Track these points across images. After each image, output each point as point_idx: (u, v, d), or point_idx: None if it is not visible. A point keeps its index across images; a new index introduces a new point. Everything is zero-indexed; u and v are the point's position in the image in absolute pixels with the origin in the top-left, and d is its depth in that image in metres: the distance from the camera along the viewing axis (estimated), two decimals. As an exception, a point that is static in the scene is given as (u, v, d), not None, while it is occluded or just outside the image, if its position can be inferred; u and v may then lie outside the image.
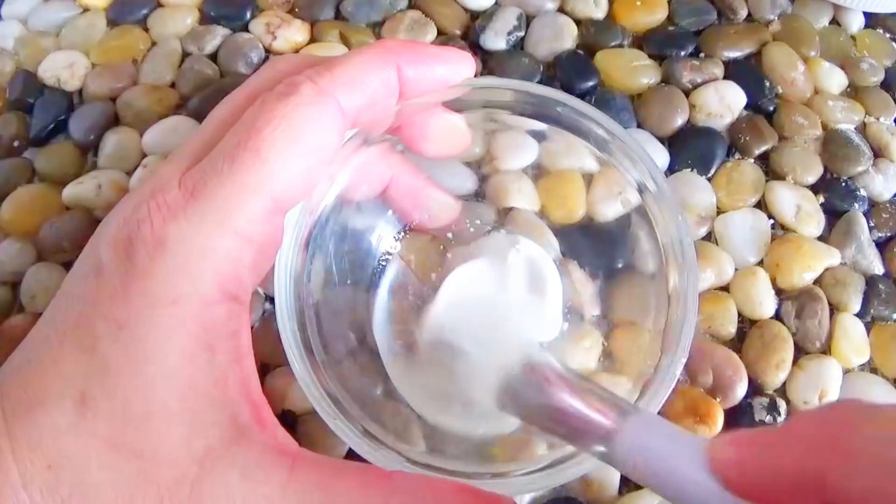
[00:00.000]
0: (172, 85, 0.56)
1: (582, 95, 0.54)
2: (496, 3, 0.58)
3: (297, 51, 0.56)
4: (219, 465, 0.29)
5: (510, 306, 0.43)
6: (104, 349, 0.30)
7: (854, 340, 0.47)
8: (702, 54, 0.57)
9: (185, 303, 0.30)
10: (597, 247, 0.45)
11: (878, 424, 0.23)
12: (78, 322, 0.31)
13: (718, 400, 0.45)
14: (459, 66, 0.39)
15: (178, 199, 0.31)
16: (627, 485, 0.43)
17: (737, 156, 0.53)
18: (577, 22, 0.58)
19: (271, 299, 0.46)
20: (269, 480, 0.29)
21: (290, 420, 0.43)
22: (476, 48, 0.56)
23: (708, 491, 0.26)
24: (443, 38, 0.57)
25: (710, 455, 0.26)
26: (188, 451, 0.29)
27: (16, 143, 0.53)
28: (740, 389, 0.45)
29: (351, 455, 0.38)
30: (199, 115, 0.53)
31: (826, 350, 0.47)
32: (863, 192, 0.52)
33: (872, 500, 0.21)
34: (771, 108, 0.55)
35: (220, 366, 0.31)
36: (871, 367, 0.47)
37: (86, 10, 0.59)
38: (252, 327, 0.34)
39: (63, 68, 0.56)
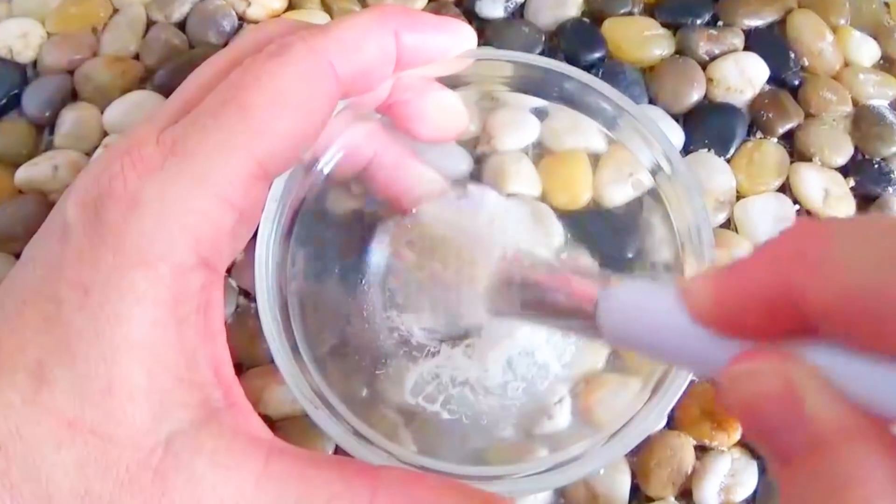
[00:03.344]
0: (136, 56, 0.55)
1: (588, 68, 0.53)
2: (493, -33, 0.58)
3: (274, 18, 0.56)
4: (186, 451, 0.29)
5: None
6: (67, 317, 0.29)
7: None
8: (720, 23, 0.57)
9: (158, 267, 0.30)
10: (605, 234, 0.45)
11: (842, 231, 0.24)
12: (40, 288, 0.30)
13: (738, 403, 0.44)
14: (460, 37, 0.39)
15: (155, 156, 0.31)
16: (637, 497, 0.43)
17: (758, 135, 0.53)
18: (583, -13, 0.57)
19: (246, 293, 0.46)
20: (241, 469, 0.29)
21: (268, 426, 0.43)
22: (471, 16, 0.56)
23: (690, 335, 0.26)
24: (434, 4, 0.56)
25: (684, 297, 0.27)
26: (153, 433, 0.29)
27: (-37, 121, 0.53)
28: (762, 392, 0.45)
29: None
30: (166, 90, 0.52)
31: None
32: (897, 175, 0.52)
33: (846, 303, 0.22)
34: (796, 83, 0.55)
35: (191, 340, 0.31)
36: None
37: (41, -27, 0.58)
38: (225, 323, 0.34)
39: (16, 38, 0.55)
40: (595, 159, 0.47)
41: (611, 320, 0.30)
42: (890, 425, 0.22)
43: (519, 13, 0.57)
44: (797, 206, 0.50)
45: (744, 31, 0.56)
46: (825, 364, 0.23)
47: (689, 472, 0.43)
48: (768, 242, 0.25)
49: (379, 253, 0.44)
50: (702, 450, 0.44)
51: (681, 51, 0.55)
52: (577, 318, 0.32)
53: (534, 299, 0.35)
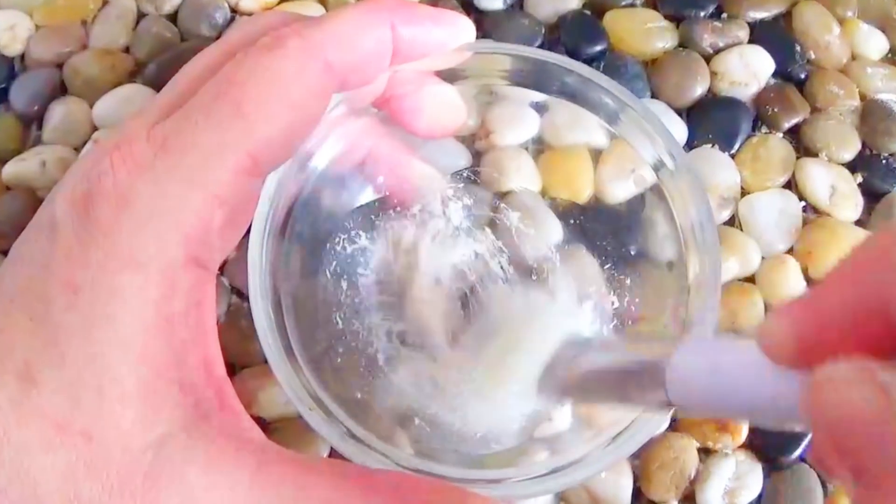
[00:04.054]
0: (126, 49, 0.55)
1: (589, 61, 0.53)
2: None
3: (267, 10, 0.56)
4: (176, 454, 0.29)
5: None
6: (55, 316, 0.29)
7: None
8: (724, 15, 0.57)
9: (149, 265, 0.30)
10: (606, 232, 0.45)
11: None
12: (28, 287, 0.30)
13: (743, 405, 0.44)
14: (458, 30, 0.39)
15: (145, 152, 0.31)
16: (639, 500, 0.43)
17: (763, 129, 0.53)
18: (584, -22, 0.57)
19: (238, 291, 0.46)
20: (233, 473, 0.29)
21: (260, 428, 0.42)
22: (469, 8, 0.56)
23: (771, 381, 0.24)
24: (432, -4, 0.56)
25: (761, 342, 0.25)
26: (142, 436, 0.29)
27: (-51, 115, 0.53)
28: (767, 393, 0.44)
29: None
30: (157, 84, 0.52)
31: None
32: (905, 171, 0.52)
33: None
34: (802, 76, 0.55)
35: (182, 341, 0.31)
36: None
37: (28, -36, 0.58)
38: (217, 322, 0.33)
39: (3, 31, 0.55)
40: (596, 155, 0.47)
41: (684, 389, 0.28)
42: None
43: (518, 5, 0.56)
44: (803, 203, 0.50)
45: (749, 23, 0.56)
46: None
47: (693, 475, 0.43)
48: (845, 259, 0.23)
49: (376, 251, 0.44)
50: (705, 452, 0.44)
51: (684, 44, 0.55)
52: (645, 393, 0.31)
53: (596, 384, 0.34)
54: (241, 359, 0.44)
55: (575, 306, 0.43)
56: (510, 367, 0.39)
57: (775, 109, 0.53)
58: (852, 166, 0.52)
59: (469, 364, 0.41)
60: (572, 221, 0.46)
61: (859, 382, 0.20)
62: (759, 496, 0.43)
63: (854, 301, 0.22)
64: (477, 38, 0.39)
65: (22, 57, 0.55)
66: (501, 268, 0.44)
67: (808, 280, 0.48)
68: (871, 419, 0.20)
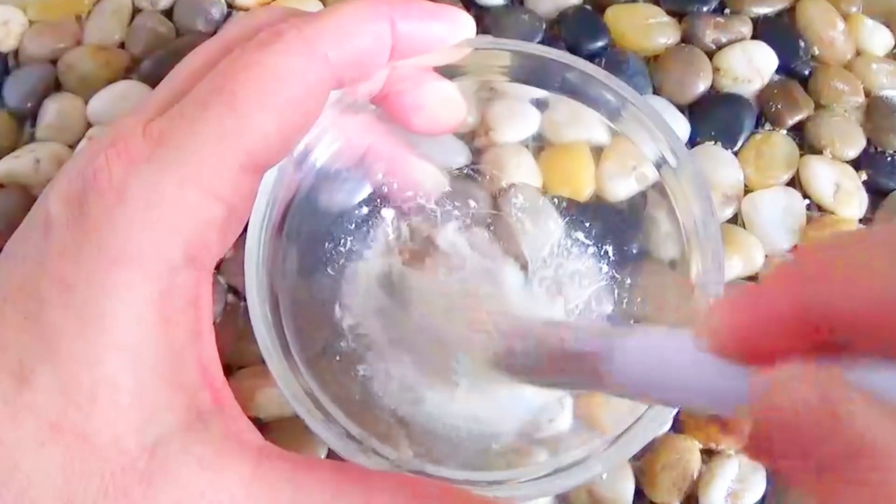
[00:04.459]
0: (122, 45, 0.55)
1: (590, 57, 0.53)
2: (492, -48, 0.58)
3: (264, 5, 0.56)
4: (173, 455, 0.29)
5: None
6: (50, 315, 0.29)
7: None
8: (727, 10, 0.57)
9: (145, 263, 0.30)
10: (607, 230, 0.45)
11: (861, 242, 0.23)
12: (21, 285, 0.30)
13: (746, 405, 0.44)
14: (458, 25, 0.39)
15: (141, 148, 0.31)
16: (641, 502, 0.43)
17: (767, 126, 0.53)
18: (585, -27, 0.57)
19: (235, 290, 0.46)
20: (230, 475, 0.29)
21: (257, 429, 0.42)
22: (469, 4, 0.56)
23: (709, 371, 0.26)
24: (431, -9, 0.56)
25: (700, 331, 0.26)
26: (138, 436, 0.29)
27: (-59, 112, 0.53)
28: (771, 394, 0.44)
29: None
30: (152, 80, 0.52)
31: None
32: (911, 168, 0.52)
33: (881, 312, 0.21)
34: (806, 72, 0.55)
35: (178, 340, 0.31)
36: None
37: (22, -41, 0.58)
38: (213, 322, 0.33)
39: (-4, 26, 0.55)
40: (597, 152, 0.47)
41: (623, 372, 0.29)
42: None
43: (518, 0, 0.56)
44: (807, 201, 0.50)
45: (752, 18, 0.56)
46: (860, 379, 0.21)
47: (696, 476, 0.43)
48: (784, 262, 0.25)
49: (374, 249, 0.44)
50: (708, 453, 0.44)
51: (686, 39, 0.55)
52: (583, 375, 0.32)
53: (535, 363, 0.35)
54: (237, 359, 0.44)
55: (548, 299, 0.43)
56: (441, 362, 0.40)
57: (779, 106, 0.53)
58: (857, 163, 0.52)
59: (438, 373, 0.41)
60: (573, 220, 0.46)
61: (801, 380, 0.22)
62: (763, 498, 0.43)
63: (789, 301, 0.23)
64: (477, 33, 0.39)
65: (15, 53, 0.55)
66: (500, 268, 0.44)
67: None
68: (814, 419, 0.21)
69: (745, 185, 0.51)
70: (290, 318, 0.39)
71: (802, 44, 0.55)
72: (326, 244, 0.43)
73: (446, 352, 0.40)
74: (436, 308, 0.42)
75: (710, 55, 0.54)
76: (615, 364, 0.30)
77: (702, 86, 0.53)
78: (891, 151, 0.52)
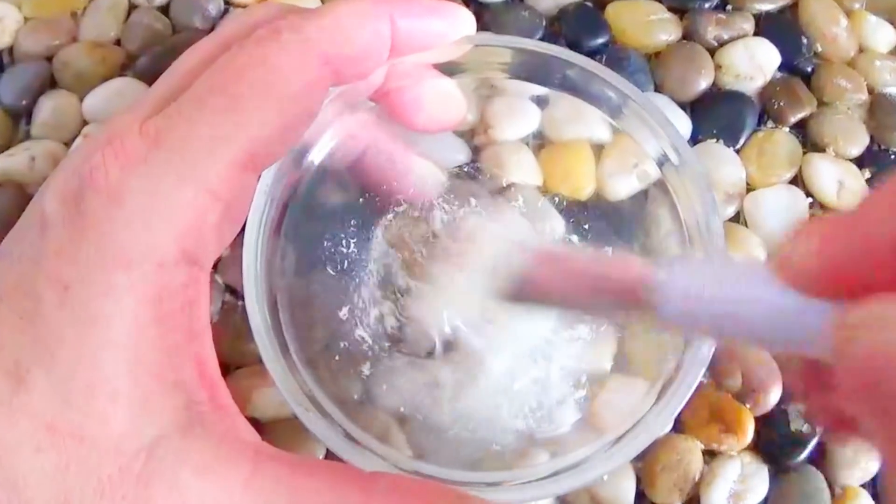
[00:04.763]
0: (117, 42, 0.55)
1: (591, 54, 0.53)
2: (492, -52, 0.58)
3: (262, 2, 0.56)
4: (170, 456, 0.29)
5: None
6: (46, 314, 0.29)
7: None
8: (729, 6, 0.57)
9: (141, 263, 0.30)
10: (609, 228, 0.45)
11: None
12: (17, 284, 0.30)
13: (748, 406, 0.44)
14: (458, 22, 0.39)
15: (138, 147, 0.31)
16: (642, 503, 0.43)
17: (769, 124, 0.53)
18: (586, -31, 0.57)
19: (232, 290, 0.46)
20: (228, 475, 0.29)
21: (255, 429, 0.43)
22: (468, 0, 0.55)
23: (781, 302, 0.24)
24: (430, -13, 0.56)
25: (782, 268, 0.24)
26: (135, 438, 0.29)
27: (-65, 110, 0.53)
28: (774, 394, 0.45)
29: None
30: (149, 77, 0.52)
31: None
32: (915, 166, 0.52)
33: None
34: (809, 69, 0.55)
35: (175, 340, 0.31)
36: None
37: (17, -45, 0.58)
38: (210, 321, 0.33)
39: (-10, 23, 0.55)
40: (598, 149, 0.47)
41: (676, 300, 0.27)
42: None
43: (519, -4, 0.56)
44: (810, 199, 0.50)
45: (754, 15, 0.56)
46: None
47: (697, 477, 0.43)
48: (885, 185, 0.22)
49: (374, 248, 0.44)
50: (710, 454, 0.44)
51: (688, 36, 0.55)
52: (628, 304, 0.30)
53: (575, 289, 0.32)
54: (235, 358, 0.44)
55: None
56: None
57: (781, 103, 0.53)
58: (860, 161, 0.52)
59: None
60: (574, 218, 0.46)
61: None
62: (765, 499, 0.43)
63: (877, 234, 0.21)
64: (477, 30, 0.39)
65: (10, 50, 0.55)
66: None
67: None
68: None
69: (748, 184, 0.51)
70: (288, 318, 0.39)
71: (805, 40, 0.55)
72: (325, 243, 0.43)
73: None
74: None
75: (712, 52, 0.54)
76: (665, 292, 0.28)
77: (703, 83, 0.53)
78: (894, 149, 0.52)
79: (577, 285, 0.32)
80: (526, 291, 0.34)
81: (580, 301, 0.33)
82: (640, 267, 0.29)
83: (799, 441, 0.44)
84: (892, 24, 0.57)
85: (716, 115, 0.52)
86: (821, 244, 0.23)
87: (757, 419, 0.44)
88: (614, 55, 0.54)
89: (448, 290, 0.41)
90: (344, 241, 0.43)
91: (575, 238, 0.45)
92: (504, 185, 0.46)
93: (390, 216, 0.44)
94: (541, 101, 0.46)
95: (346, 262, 0.43)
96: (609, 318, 0.36)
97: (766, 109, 0.53)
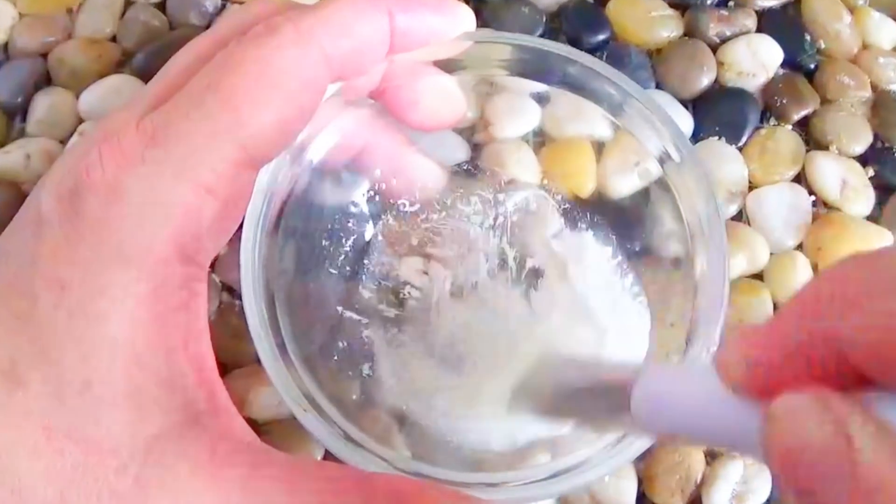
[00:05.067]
0: (113, 39, 0.55)
1: (591, 51, 0.53)
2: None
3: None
4: (167, 457, 0.29)
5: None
6: (42, 314, 0.29)
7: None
8: (731, 3, 0.57)
9: (138, 261, 0.30)
10: (610, 227, 0.45)
11: (880, 264, 0.22)
12: (13, 283, 0.30)
13: (751, 405, 0.44)
14: (457, 19, 0.39)
15: (135, 144, 0.31)
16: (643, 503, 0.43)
17: (772, 122, 0.53)
18: (586, -35, 0.57)
19: (230, 289, 0.46)
20: (226, 476, 0.29)
21: (253, 430, 0.42)
22: (468, -4, 0.55)
23: (729, 409, 0.25)
24: (429, -17, 0.56)
25: (717, 367, 0.25)
26: (133, 438, 0.29)
27: (-70, 107, 0.52)
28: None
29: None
30: (145, 74, 0.52)
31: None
32: (919, 164, 0.52)
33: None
34: (812, 66, 0.55)
35: (173, 340, 0.31)
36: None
37: (12, -50, 0.58)
38: (207, 320, 0.33)
39: (-15, 19, 0.55)
40: (599, 147, 0.46)
41: (645, 409, 0.29)
42: None
43: (519, -7, 0.56)
44: (813, 198, 0.50)
45: (756, 11, 0.56)
46: (885, 416, 0.20)
47: (699, 479, 0.43)
48: (800, 292, 0.24)
49: (373, 247, 0.44)
50: (712, 456, 0.44)
51: (690, 32, 0.55)
52: (612, 415, 0.31)
53: (567, 401, 0.34)
54: (232, 358, 0.44)
55: (565, 318, 0.43)
56: (482, 391, 0.39)
57: (784, 101, 0.53)
58: (863, 159, 0.52)
59: (449, 379, 0.41)
60: (574, 216, 0.45)
61: (815, 413, 0.21)
62: (768, 500, 0.43)
63: (804, 334, 0.22)
64: (477, 26, 0.39)
65: (5, 46, 0.55)
66: (501, 267, 0.44)
67: (818, 277, 0.48)
68: (825, 450, 0.20)
69: (750, 182, 0.50)
70: (286, 317, 0.39)
71: (808, 37, 0.55)
72: (323, 241, 0.43)
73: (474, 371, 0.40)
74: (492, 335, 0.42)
75: (714, 49, 0.54)
76: (636, 403, 0.29)
77: (705, 80, 0.53)
78: (898, 147, 0.52)
79: (574, 406, 0.34)
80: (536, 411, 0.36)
81: (576, 417, 0.36)
82: (620, 379, 0.30)
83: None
84: (895, 20, 0.56)
85: (718, 112, 0.52)
86: (743, 350, 0.24)
87: (759, 419, 0.44)
88: (615, 52, 0.54)
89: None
90: (343, 240, 0.43)
91: (582, 232, 0.45)
92: (504, 182, 0.46)
93: (389, 214, 0.44)
94: (541, 99, 0.46)
95: (344, 260, 0.43)
96: (597, 429, 0.37)
97: (769, 107, 0.53)
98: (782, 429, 0.21)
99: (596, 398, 0.32)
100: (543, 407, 0.36)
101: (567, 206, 0.46)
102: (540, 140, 0.48)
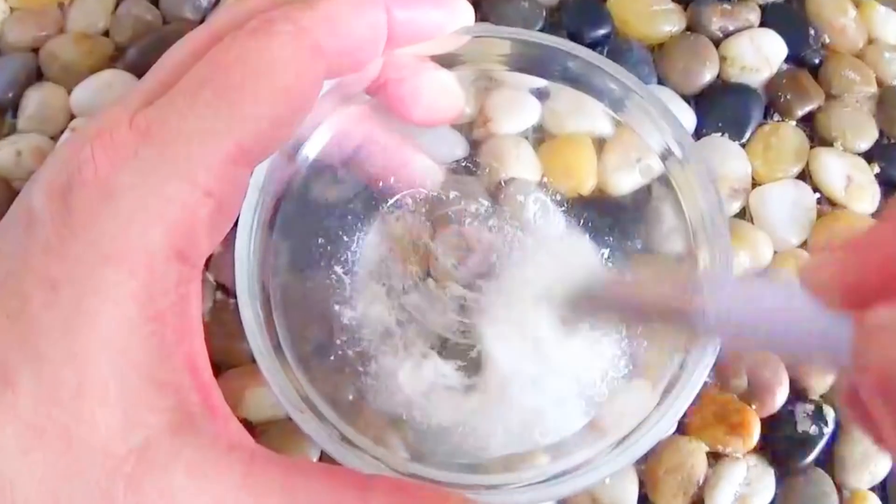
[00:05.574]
0: (106, 33, 0.55)
1: (592, 45, 0.53)
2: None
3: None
4: (160, 459, 0.29)
5: None
6: (33, 313, 0.29)
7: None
8: (734, -3, 0.56)
9: (131, 259, 0.30)
10: (611, 224, 0.45)
11: None
12: (3, 281, 0.30)
13: (754, 407, 0.44)
14: (456, 13, 0.39)
15: (128, 140, 0.31)
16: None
17: (776, 117, 0.53)
18: (587, -42, 0.57)
19: (224, 288, 0.46)
20: (220, 479, 0.29)
21: (248, 431, 0.42)
22: (467, -11, 0.55)
23: (810, 316, 0.26)
24: (428, -23, 0.56)
25: (806, 284, 0.26)
26: (125, 440, 0.29)
27: (-81, 103, 0.52)
28: (780, 395, 0.45)
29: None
30: (138, 69, 0.52)
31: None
32: (925, 160, 0.52)
33: None
34: (816, 61, 0.55)
35: (166, 340, 0.31)
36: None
37: (2, -57, 0.58)
38: (202, 320, 0.33)
39: (-25, 13, 0.55)
40: (600, 143, 0.46)
41: (719, 314, 0.30)
42: None
43: (518, -14, 0.56)
44: (817, 195, 0.50)
45: (760, 5, 0.56)
46: None
47: (702, 480, 0.43)
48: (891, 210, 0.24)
49: (370, 245, 0.44)
50: (715, 456, 0.44)
51: (692, 27, 0.55)
52: (672, 317, 0.32)
53: (622, 304, 0.35)
54: (227, 358, 0.44)
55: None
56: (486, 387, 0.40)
57: (788, 96, 0.53)
58: (869, 156, 0.52)
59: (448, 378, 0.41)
60: (574, 214, 0.45)
61: None
62: (772, 502, 0.43)
63: None
64: (476, 21, 0.39)
65: (-4, 41, 0.55)
66: (501, 265, 0.44)
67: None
68: None
69: (753, 179, 0.51)
70: (281, 316, 0.39)
71: (812, 31, 0.55)
72: (319, 240, 0.43)
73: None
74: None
75: (717, 43, 0.54)
76: (711, 306, 0.30)
77: (708, 75, 0.53)
78: (904, 143, 0.52)
79: (631, 308, 0.35)
80: (583, 311, 0.37)
81: (631, 319, 0.37)
82: (685, 294, 0.31)
83: (806, 442, 0.44)
84: (901, 14, 0.57)
85: (721, 108, 0.52)
86: (842, 259, 0.24)
87: (763, 420, 0.44)
88: (616, 47, 0.54)
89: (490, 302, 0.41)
90: (339, 238, 0.43)
91: (582, 230, 0.45)
92: (503, 179, 0.46)
93: (387, 212, 0.44)
94: (541, 94, 0.46)
95: (341, 259, 0.43)
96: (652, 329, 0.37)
97: (773, 102, 0.53)
98: (880, 341, 0.22)
99: (660, 307, 0.33)
100: (597, 312, 0.37)
101: (567, 203, 0.46)
102: (540, 136, 0.48)
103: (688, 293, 0.31)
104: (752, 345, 0.33)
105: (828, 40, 0.55)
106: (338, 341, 0.42)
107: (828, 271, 0.25)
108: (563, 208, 0.45)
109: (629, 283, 0.36)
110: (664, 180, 0.41)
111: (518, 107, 0.47)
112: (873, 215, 0.50)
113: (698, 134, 0.52)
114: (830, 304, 0.25)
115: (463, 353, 0.41)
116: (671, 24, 0.55)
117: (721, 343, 0.33)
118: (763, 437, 0.44)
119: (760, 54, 0.54)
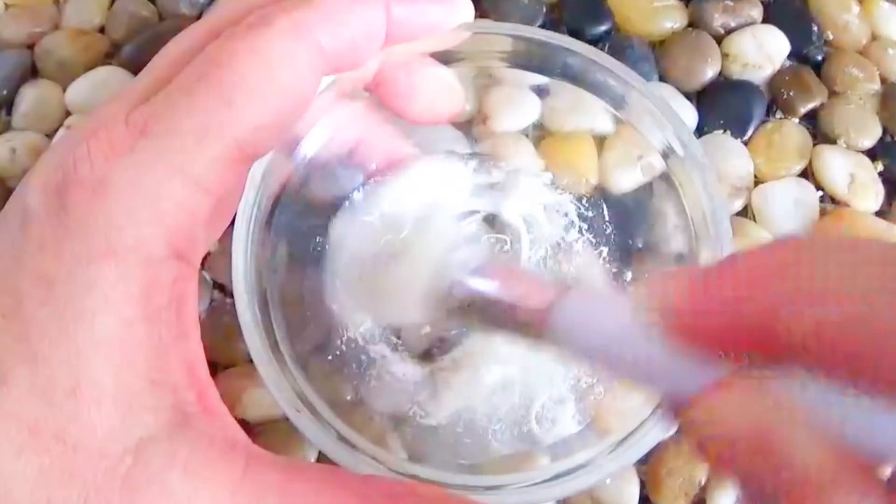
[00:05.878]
0: (102, 30, 0.55)
1: (593, 42, 0.53)
2: (490, -68, 0.58)
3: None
4: (156, 459, 0.29)
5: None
6: (28, 312, 0.29)
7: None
8: (736, -7, 0.56)
9: (127, 258, 0.29)
10: (612, 223, 0.45)
11: (826, 254, 0.23)
12: None
13: (756, 408, 0.44)
14: (455, 9, 0.39)
15: (124, 137, 0.31)
16: (647, 507, 0.43)
17: (778, 115, 0.53)
18: (588, -46, 0.57)
19: (221, 286, 0.46)
20: (217, 479, 0.29)
21: (245, 431, 0.42)
22: (466, -14, 0.55)
23: (646, 344, 0.26)
24: (427, -27, 0.56)
25: (647, 299, 0.26)
26: (121, 439, 0.29)
27: (-87, 100, 0.53)
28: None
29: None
30: (134, 66, 0.52)
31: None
32: (929, 158, 0.52)
33: (826, 335, 0.22)
34: (819, 58, 0.55)
35: (162, 339, 0.30)
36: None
37: (-3, -61, 0.58)
38: (199, 319, 0.33)
39: (-30, 9, 0.55)
40: (601, 141, 0.47)
41: (564, 327, 0.30)
42: (872, 467, 0.22)
43: (518, -18, 0.56)
44: (820, 193, 0.50)
45: (762, 2, 0.56)
46: (799, 397, 0.22)
47: (703, 481, 0.43)
48: (746, 255, 0.25)
49: (368, 243, 0.44)
50: (717, 457, 0.44)
51: (694, 23, 0.55)
52: (526, 325, 0.32)
53: (478, 301, 0.35)
54: (224, 358, 0.44)
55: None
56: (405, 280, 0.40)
57: (791, 93, 0.53)
58: (872, 153, 0.52)
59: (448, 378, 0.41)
60: (575, 212, 0.45)
61: (738, 413, 0.23)
62: (775, 503, 0.43)
63: (741, 300, 0.24)
64: (475, 17, 0.39)
65: (-10, 38, 0.55)
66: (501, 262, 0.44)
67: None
68: (751, 450, 0.22)
69: (756, 176, 0.51)
70: (279, 316, 0.39)
71: (815, 28, 0.55)
72: (317, 238, 0.43)
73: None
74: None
75: (719, 40, 0.54)
76: (556, 318, 0.30)
77: (710, 72, 0.53)
78: (908, 141, 0.52)
79: (486, 310, 0.35)
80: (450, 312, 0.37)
81: (486, 323, 0.36)
82: (538, 289, 0.31)
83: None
84: (905, 10, 0.57)
85: (723, 105, 0.52)
86: (682, 297, 0.26)
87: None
88: (617, 43, 0.54)
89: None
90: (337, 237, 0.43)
91: (583, 228, 0.45)
92: (503, 177, 0.46)
93: (384, 209, 0.44)
94: (541, 91, 0.46)
95: (339, 257, 0.43)
96: (506, 335, 0.37)
97: (775, 100, 0.53)
98: (706, 427, 0.24)
99: (508, 308, 0.33)
100: (455, 310, 0.37)
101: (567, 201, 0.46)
102: (540, 133, 0.48)
103: (539, 294, 0.31)
104: (588, 361, 0.33)
105: (831, 37, 0.55)
106: (335, 341, 0.42)
107: (670, 299, 0.26)
108: (564, 208, 0.45)
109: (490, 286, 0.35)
110: (666, 178, 0.41)
111: (518, 104, 0.47)
112: (877, 214, 0.50)
113: (700, 131, 0.52)
114: (662, 332, 0.25)
115: (460, 352, 0.41)
116: (673, 20, 0.55)
117: (565, 356, 0.33)
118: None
119: (763, 51, 0.54)
